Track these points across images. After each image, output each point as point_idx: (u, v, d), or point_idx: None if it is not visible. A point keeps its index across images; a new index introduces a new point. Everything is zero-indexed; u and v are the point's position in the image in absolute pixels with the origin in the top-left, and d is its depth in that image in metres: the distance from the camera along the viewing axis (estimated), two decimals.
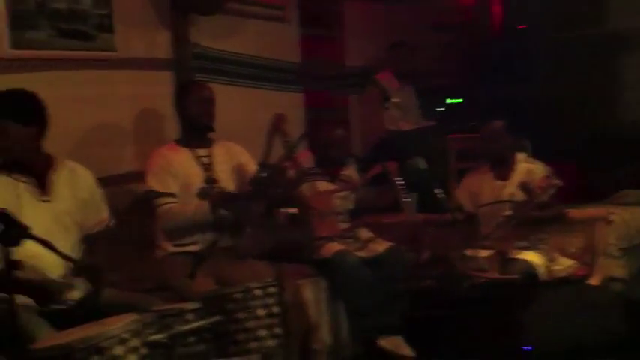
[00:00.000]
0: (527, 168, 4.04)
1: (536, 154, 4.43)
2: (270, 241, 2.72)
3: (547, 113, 5.66)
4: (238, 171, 3.67)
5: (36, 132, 2.90)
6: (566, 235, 4.24)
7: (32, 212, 2.80)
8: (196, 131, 3.67)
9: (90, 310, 2.60)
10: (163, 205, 3.47)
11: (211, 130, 3.68)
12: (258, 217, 3.48)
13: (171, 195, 3.49)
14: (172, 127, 3.97)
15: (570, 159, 5.22)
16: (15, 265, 2.03)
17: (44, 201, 2.90)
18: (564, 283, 3.79)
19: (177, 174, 3.54)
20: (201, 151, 3.65)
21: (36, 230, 2.32)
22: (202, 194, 3.55)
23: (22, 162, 2.89)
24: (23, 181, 2.87)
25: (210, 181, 3.60)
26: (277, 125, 3.46)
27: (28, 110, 2.88)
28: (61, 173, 2.99)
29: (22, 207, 2.80)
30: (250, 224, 3.55)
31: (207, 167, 3.62)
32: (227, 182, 3.64)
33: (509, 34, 6.22)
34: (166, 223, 3.48)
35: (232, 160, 3.70)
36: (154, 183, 3.50)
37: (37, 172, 2.93)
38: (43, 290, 2.55)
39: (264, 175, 3.32)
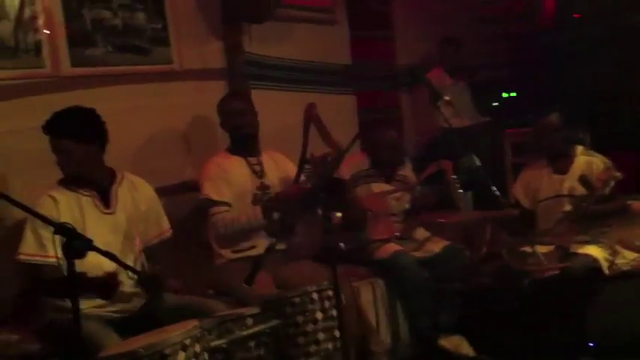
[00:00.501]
0: (587, 160, 3.96)
1: (598, 145, 4.34)
2: (325, 243, 2.74)
3: (608, 102, 5.52)
4: (284, 180, 3.73)
5: (96, 149, 3.01)
6: (629, 228, 4.12)
7: (95, 224, 2.92)
8: (244, 140, 3.73)
9: (152, 318, 2.69)
10: (218, 213, 3.55)
11: (254, 137, 3.75)
12: (309, 217, 3.51)
13: (226, 203, 3.57)
14: (226, 135, 4.06)
15: (633, 148, 5.10)
16: (79, 277, 2.11)
17: (106, 213, 3.00)
18: (628, 276, 3.70)
19: (232, 181, 3.61)
20: (252, 159, 3.73)
21: (98, 242, 2.41)
22: (256, 201, 3.62)
23: (84, 177, 3.00)
24: (85, 195, 2.99)
25: (263, 187, 3.67)
26: (310, 114, 3.49)
27: (88, 129, 2.98)
28: (122, 186, 3.10)
29: (85, 220, 2.91)
30: (303, 225, 3.58)
31: (260, 174, 3.70)
32: (276, 188, 3.70)
33: (564, 24, 6.09)
34: (221, 231, 3.55)
35: (279, 169, 3.78)
36: (209, 191, 3.57)
37: (99, 186, 3.04)
38: (105, 283, 2.62)
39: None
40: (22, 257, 2.86)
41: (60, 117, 2.94)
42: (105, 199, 3.03)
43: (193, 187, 3.92)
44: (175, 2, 4.13)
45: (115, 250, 2.54)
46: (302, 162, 3.53)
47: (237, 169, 3.67)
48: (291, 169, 3.76)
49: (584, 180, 3.69)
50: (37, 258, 2.82)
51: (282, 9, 4.56)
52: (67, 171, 2.98)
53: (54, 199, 2.92)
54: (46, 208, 2.85)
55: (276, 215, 3.51)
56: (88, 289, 2.61)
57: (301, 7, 4.95)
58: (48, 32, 3.57)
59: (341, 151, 3.40)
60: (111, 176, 3.10)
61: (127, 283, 2.86)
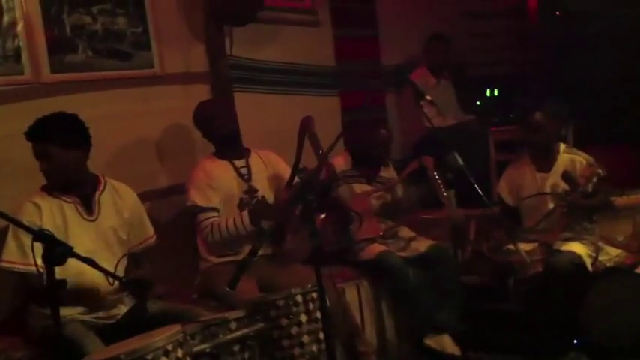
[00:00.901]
0: (570, 158, 3.94)
1: (590, 137, 4.33)
2: (311, 245, 2.74)
3: (598, 96, 5.52)
4: (275, 179, 3.74)
5: (81, 154, 3.01)
6: (613, 224, 4.15)
7: (78, 231, 2.93)
8: (226, 143, 3.73)
9: (137, 323, 2.68)
10: (206, 219, 3.55)
11: (236, 138, 3.74)
12: (298, 222, 3.52)
13: (214, 209, 3.57)
14: None
15: (624, 141, 5.12)
16: (59, 283, 2.11)
17: (89, 220, 3.01)
18: (612, 272, 3.72)
19: (219, 187, 3.61)
20: (239, 162, 3.72)
21: (82, 248, 2.42)
22: (243, 205, 3.63)
23: (69, 183, 3.00)
24: (68, 202, 2.99)
25: (251, 191, 3.67)
26: (306, 127, 3.50)
27: (73, 134, 2.97)
28: (105, 193, 3.10)
29: (67, 227, 2.91)
30: (291, 230, 3.59)
31: (246, 177, 3.70)
32: (266, 191, 3.72)
33: (548, 20, 6.12)
34: (210, 238, 3.55)
35: (269, 168, 3.78)
36: (195, 198, 3.57)
37: (82, 192, 3.04)
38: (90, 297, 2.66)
39: (299, 180, 3.37)
40: (4, 264, 2.86)
41: (44, 122, 2.93)
42: (88, 205, 3.03)
43: (177, 191, 3.92)
44: (156, 6, 4.11)
45: (98, 257, 2.53)
46: (294, 172, 3.51)
47: (223, 173, 3.67)
48: (283, 168, 3.77)
49: (566, 177, 3.71)
50: (20, 266, 2.82)
51: (265, 11, 4.56)
52: (52, 177, 2.98)
53: (36, 205, 2.91)
54: (28, 215, 2.85)
55: (265, 224, 3.52)
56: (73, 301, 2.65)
57: (284, 9, 4.95)
58: (27, 39, 3.54)
59: (326, 160, 3.40)
60: (94, 182, 3.11)
61: (109, 289, 2.86)
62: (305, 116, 3.60)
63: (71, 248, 2.13)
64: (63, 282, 2.14)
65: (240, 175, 3.70)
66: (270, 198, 3.73)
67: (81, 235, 2.92)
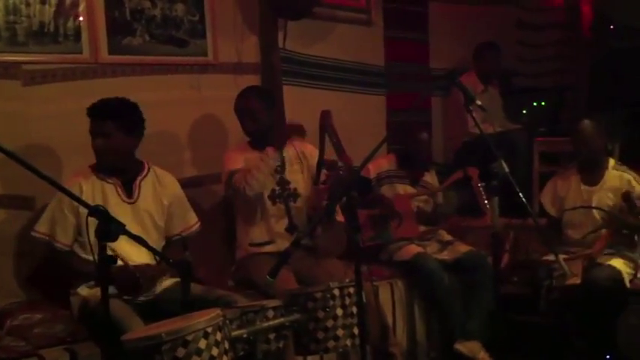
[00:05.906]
0: (619, 175, 3.88)
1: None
2: (352, 241, 2.75)
3: None
4: (310, 171, 3.71)
5: (134, 142, 3.14)
6: None
7: (116, 212, 2.96)
8: (256, 136, 3.70)
9: (177, 305, 2.73)
10: (235, 173, 3.52)
11: (266, 133, 3.67)
12: (329, 216, 3.50)
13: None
14: None
15: None
16: (110, 259, 2.16)
17: (128, 202, 3.12)
18: None
19: None
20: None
21: None
22: (274, 197, 3.64)
23: (115, 165, 3.11)
24: (110, 183, 3.11)
25: (283, 182, 3.68)
26: (323, 122, 3.43)
27: (133, 121, 3.10)
28: (147, 179, 3.21)
29: (107, 207, 2.96)
30: (324, 223, 3.57)
31: (279, 169, 3.68)
32: (298, 183, 3.71)
33: (601, 34, 6.05)
34: (248, 190, 3.47)
35: (303, 160, 3.76)
36: (231, 166, 3.58)
37: (125, 176, 3.15)
38: (131, 282, 2.77)
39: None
40: (34, 234, 3.07)
41: (109, 103, 3.06)
42: (128, 188, 3.15)
43: (217, 179, 3.95)
44: None
45: None
46: (319, 166, 3.50)
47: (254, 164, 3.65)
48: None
49: (627, 197, 3.63)
50: (47, 238, 3.02)
51: (320, 8, 4.60)
52: (103, 156, 3.07)
53: (79, 186, 3.04)
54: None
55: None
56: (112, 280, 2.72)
57: (339, 6, 4.97)
58: (88, 19, 3.63)
59: (352, 167, 3.35)
60: (138, 168, 3.21)
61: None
62: (323, 110, 3.47)
63: (124, 226, 2.16)
64: (113, 259, 2.18)
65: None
66: (302, 190, 3.71)
67: (118, 216, 2.97)
